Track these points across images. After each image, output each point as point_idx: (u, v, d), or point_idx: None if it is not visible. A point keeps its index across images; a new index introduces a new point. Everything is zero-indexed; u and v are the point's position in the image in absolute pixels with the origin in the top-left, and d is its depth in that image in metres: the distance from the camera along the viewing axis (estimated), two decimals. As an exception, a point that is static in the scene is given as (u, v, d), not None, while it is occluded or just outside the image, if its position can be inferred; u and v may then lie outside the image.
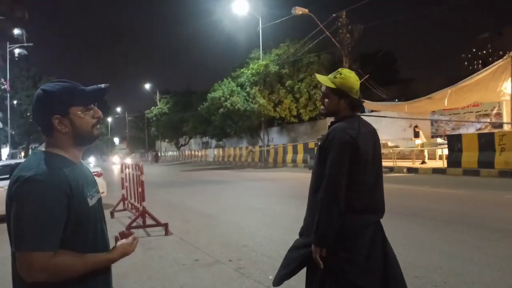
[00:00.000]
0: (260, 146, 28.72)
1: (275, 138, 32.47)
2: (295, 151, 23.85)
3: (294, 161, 23.35)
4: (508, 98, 14.41)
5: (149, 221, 6.71)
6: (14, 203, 1.22)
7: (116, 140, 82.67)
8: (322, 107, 2.18)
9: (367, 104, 21.03)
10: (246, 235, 6.04)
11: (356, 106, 2.08)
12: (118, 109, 75.49)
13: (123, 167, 9.10)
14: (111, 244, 1.50)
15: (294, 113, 27.68)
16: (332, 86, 2.05)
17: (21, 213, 1.20)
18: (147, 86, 54.92)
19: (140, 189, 7.07)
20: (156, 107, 50.32)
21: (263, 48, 27.94)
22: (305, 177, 16.03)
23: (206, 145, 47.48)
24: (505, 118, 15.84)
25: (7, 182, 6.48)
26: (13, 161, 9.91)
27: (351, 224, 1.94)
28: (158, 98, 52.59)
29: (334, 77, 2.07)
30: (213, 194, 11.94)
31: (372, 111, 23.45)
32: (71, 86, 1.37)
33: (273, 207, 8.77)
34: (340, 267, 1.94)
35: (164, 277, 4.29)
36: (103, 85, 1.42)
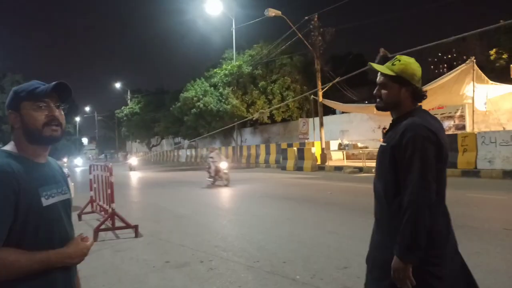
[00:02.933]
0: (234, 147, 28.69)
1: (248, 139, 32.56)
2: (267, 152, 23.98)
3: (266, 161, 23.48)
4: (470, 101, 15.07)
5: (118, 223, 6.58)
6: None
7: (85, 140, 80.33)
8: (377, 100, 1.93)
9: (338, 106, 21.46)
10: (217, 236, 6.04)
11: (419, 96, 1.87)
12: (87, 109, 73.45)
13: (92, 168, 8.89)
14: None
15: (267, 114, 27.82)
16: (391, 73, 1.85)
17: None
18: (118, 85, 53.69)
19: (109, 191, 6.92)
20: (127, 107, 49.31)
21: (236, 48, 27.95)
22: (278, 177, 16.17)
23: (178, 146, 46.95)
24: (468, 120, 16.55)
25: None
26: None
27: (439, 229, 1.75)
28: (129, 97, 51.55)
29: (392, 64, 1.88)
30: (185, 195, 11.83)
31: (342, 112, 23.95)
32: (31, 83, 1.40)
33: (245, 208, 8.80)
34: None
35: (134, 279, 4.23)
36: (56, 82, 1.41)
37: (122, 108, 49.88)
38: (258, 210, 8.35)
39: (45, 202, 1.35)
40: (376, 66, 1.92)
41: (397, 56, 1.90)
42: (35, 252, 1.28)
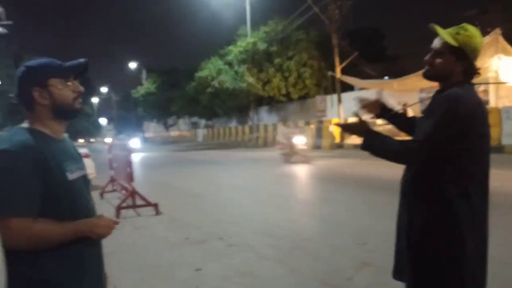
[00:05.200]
0: (250, 126, 28.63)
1: (265, 117, 32.36)
2: (284, 130, 23.85)
3: (283, 139, 23.38)
4: (494, 74, 14.52)
5: (139, 202, 6.68)
6: None
7: (103, 120, 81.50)
8: (427, 67, 1.77)
9: (357, 82, 21.04)
10: (236, 214, 6.07)
11: (472, 74, 1.73)
12: (104, 90, 74.00)
13: (110, 148, 9.01)
14: None
15: (283, 92, 27.50)
16: (454, 43, 1.65)
17: None
18: (133, 65, 53.85)
19: (129, 170, 7.00)
20: (143, 87, 49.55)
21: (251, 25, 27.49)
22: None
23: (195, 125, 47.21)
24: (491, 95, 16.00)
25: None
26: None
27: (466, 212, 1.67)
28: (144, 77, 51.69)
29: (457, 33, 1.67)
30: (204, 174, 11.92)
31: (361, 89, 23.48)
32: (51, 60, 1.44)
33: (263, 186, 8.81)
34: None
35: (154, 255, 4.29)
36: (81, 59, 1.47)
37: (138, 88, 50.17)
38: (276, 189, 8.34)
39: (70, 176, 1.38)
40: (439, 30, 1.70)
41: (463, 25, 1.70)
42: (65, 222, 1.33)
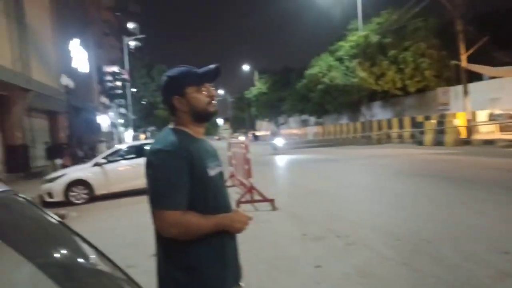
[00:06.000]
0: (363, 122, 27.66)
1: (378, 113, 30.88)
2: (401, 126, 22.50)
3: (400, 136, 22.08)
4: None
5: (256, 197, 7.04)
6: (149, 170, 1.43)
7: (220, 120, 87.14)
8: None
9: (486, 70, 18.69)
10: (353, 212, 5.98)
11: None
12: (220, 92, 79.21)
13: (230, 146, 9.65)
14: None
15: (399, 85, 25.84)
16: None
17: (154, 179, 1.41)
18: (246, 67, 56.51)
19: (246, 166, 7.43)
20: (255, 87, 51.61)
21: (362, 17, 26.48)
22: (414, 153, 15.10)
23: (304, 123, 47.45)
24: None
25: (134, 161, 7.40)
26: (137, 143, 11.04)
27: None
28: (257, 78, 53.80)
29: None
30: (318, 171, 11.96)
31: (491, 78, 20.81)
32: (186, 69, 1.56)
33: (380, 184, 8.48)
34: None
35: (276, 248, 4.50)
36: (213, 66, 1.55)
37: (250, 89, 52.43)
38: (394, 187, 7.95)
39: (211, 172, 1.51)
40: None
41: None
42: (209, 215, 1.46)
